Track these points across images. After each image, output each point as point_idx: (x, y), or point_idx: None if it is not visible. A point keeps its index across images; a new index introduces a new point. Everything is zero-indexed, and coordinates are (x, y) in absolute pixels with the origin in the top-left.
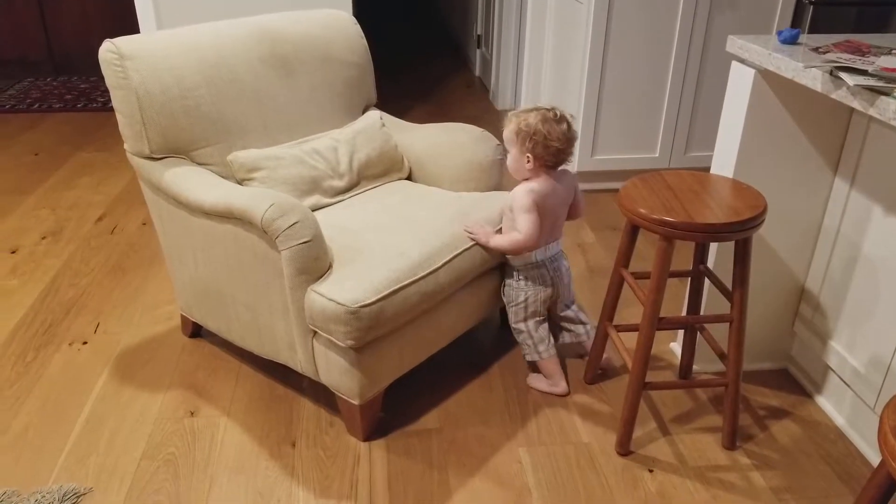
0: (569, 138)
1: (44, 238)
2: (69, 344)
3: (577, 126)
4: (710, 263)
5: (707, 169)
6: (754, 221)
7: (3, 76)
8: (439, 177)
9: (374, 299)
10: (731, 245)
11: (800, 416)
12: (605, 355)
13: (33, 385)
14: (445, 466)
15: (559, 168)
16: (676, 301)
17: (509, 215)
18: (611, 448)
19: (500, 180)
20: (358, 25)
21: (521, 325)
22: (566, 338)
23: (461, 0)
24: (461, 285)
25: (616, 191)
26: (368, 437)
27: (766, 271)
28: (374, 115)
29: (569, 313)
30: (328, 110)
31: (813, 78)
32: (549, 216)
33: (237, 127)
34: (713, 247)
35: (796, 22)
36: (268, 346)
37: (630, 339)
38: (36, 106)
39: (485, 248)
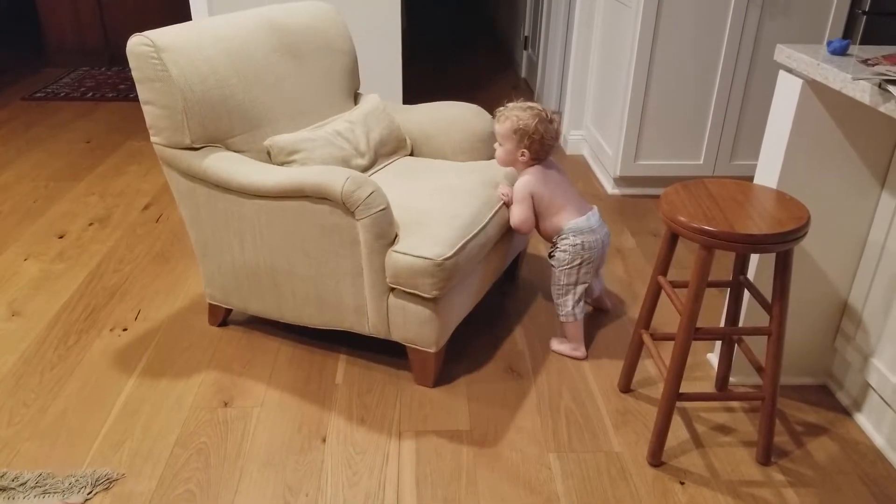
0: (557, 136)
1: (91, 224)
2: (110, 329)
3: (621, 130)
4: (751, 275)
5: (752, 178)
6: (797, 233)
7: (61, 64)
8: (442, 150)
9: (451, 253)
10: (772, 257)
11: (838, 434)
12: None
13: (74, 368)
14: (474, 469)
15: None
16: (715, 311)
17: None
18: (642, 458)
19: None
20: (341, 15)
21: (570, 283)
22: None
23: (509, 2)
24: (498, 239)
25: (658, 197)
26: (437, 384)
27: (808, 285)
28: (376, 97)
29: (595, 283)
30: (332, 95)
31: (861, 90)
32: (559, 191)
33: (266, 114)
34: (754, 258)
35: (848, 32)
36: (329, 315)
37: (666, 348)
38: (90, 95)
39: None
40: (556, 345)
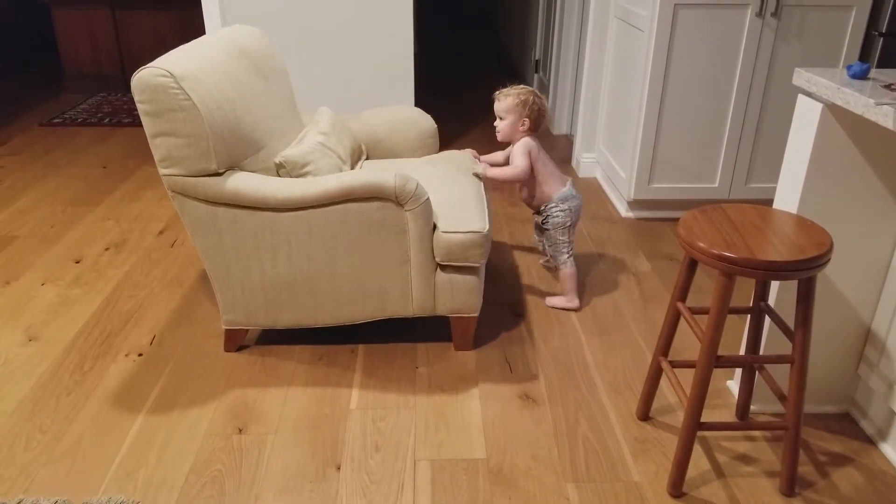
0: (547, 108)
1: (107, 249)
2: (125, 355)
3: (635, 154)
4: (772, 300)
5: (769, 202)
6: (819, 260)
7: (79, 90)
8: (397, 149)
9: (488, 225)
10: (793, 282)
11: (862, 464)
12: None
13: (89, 394)
14: (490, 499)
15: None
16: (735, 336)
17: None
18: (662, 488)
19: (438, 145)
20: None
21: (566, 240)
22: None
23: (520, 25)
24: None
25: (673, 220)
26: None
27: (830, 311)
28: (327, 110)
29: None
30: (293, 112)
31: (884, 115)
32: (546, 161)
33: (265, 134)
34: (775, 283)
35: (865, 54)
36: (371, 306)
37: (685, 376)
38: (107, 120)
39: (485, 179)
40: (552, 301)
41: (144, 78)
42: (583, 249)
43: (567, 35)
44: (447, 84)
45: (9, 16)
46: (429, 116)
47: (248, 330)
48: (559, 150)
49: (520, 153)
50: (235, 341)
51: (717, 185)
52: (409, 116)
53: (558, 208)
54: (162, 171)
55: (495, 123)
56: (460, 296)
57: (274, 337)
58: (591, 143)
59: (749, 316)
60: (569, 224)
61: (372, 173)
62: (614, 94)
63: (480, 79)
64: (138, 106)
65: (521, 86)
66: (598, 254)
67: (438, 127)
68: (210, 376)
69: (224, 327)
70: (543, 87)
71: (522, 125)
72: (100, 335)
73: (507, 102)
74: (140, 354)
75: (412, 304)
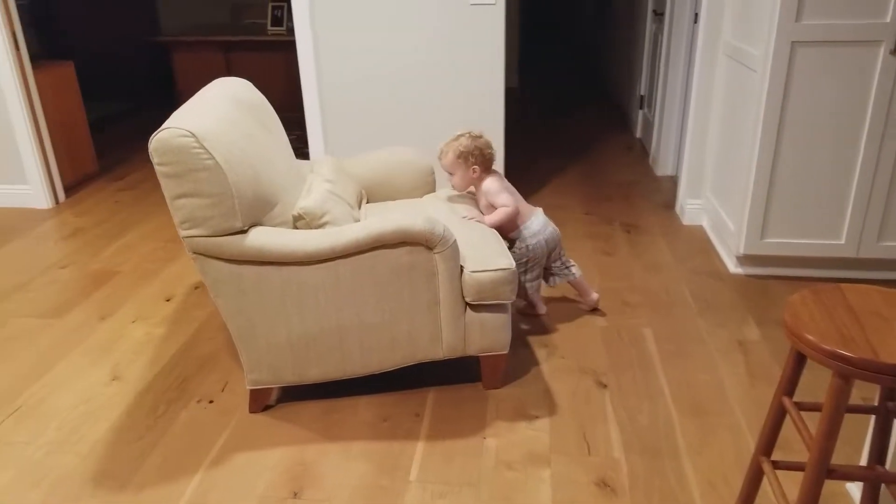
0: (490, 144)
1: (196, 287)
2: (197, 401)
3: (745, 203)
4: None
5: None
6: None
7: None
8: (397, 191)
9: (513, 263)
10: None
11: None
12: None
13: (158, 441)
14: None
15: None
16: (857, 432)
17: (486, 203)
18: None
19: (435, 184)
20: None
21: (520, 278)
22: (557, 280)
23: (625, 59)
24: None
25: (791, 279)
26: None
27: None
28: (328, 157)
29: (558, 263)
30: (295, 163)
31: None
32: (514, 195)
33: (279, 188)
34: None
35: None
36: (401, 353)
37: (791, 479)
38: None
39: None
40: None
41: (164, 140)
42: (682, 308)
43: (674, 71)
44: (545, 120)
45: (137, 58)
46: (424, 156)
47: (272, 389)
48: (663, 192)
49: (496, 193)
50: (261, 402)
51: (843, 241)
52: (404, 157)
53: (519, 246)
54: (183, 232)
55: (448, 179)
56: (490, 334)
57: (337, 387)
58: (697, 189)
59: (873, 417)
60: (524, 261)
61: (400, 218)
62: (723, 137)
63: (581, 114)
64: (157, 169)
65: (457, 134)
66: (700, 315)
67: (532, 165)
68: (274, 429)
69: (248, 388)
70: (648, 124)
71: (473, 172)
72: (176, 379)
73: (448, 160)
74: (211, 401)
75: (442, 347)
